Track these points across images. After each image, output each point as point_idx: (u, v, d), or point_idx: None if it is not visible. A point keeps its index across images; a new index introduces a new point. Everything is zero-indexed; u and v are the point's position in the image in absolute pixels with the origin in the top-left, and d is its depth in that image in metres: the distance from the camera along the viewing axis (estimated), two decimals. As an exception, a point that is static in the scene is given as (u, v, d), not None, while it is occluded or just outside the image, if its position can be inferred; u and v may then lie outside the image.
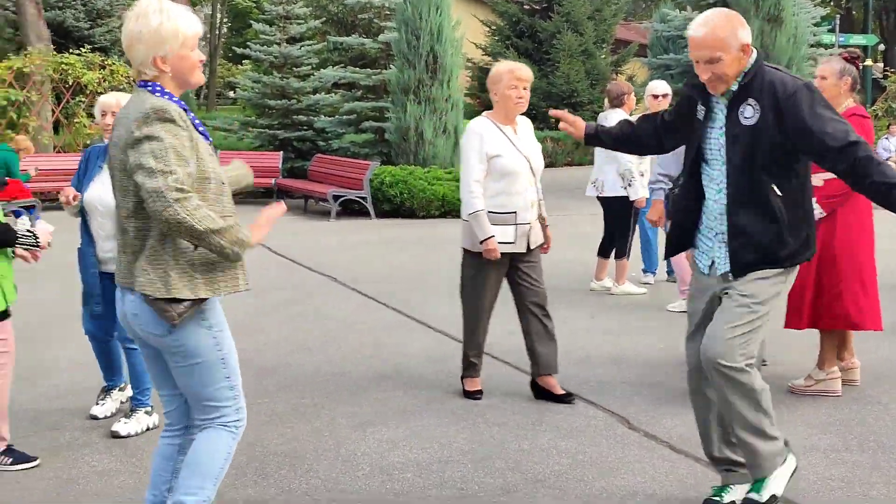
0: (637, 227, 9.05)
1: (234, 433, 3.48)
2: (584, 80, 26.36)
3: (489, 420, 5.31)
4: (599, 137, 4.34)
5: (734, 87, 3.75)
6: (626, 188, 8.62)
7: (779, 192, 3.75)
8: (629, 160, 8.48)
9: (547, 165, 6.14)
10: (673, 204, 4.12)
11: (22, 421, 5.19)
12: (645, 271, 9.41)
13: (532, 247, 5.57)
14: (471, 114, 27.60)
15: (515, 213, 5.45)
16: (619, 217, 8.86)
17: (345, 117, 18.49)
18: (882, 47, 35.26)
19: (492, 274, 5.56)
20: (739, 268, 3.81)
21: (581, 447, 4.88)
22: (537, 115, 28.53)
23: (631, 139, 4.32)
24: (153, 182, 3.04)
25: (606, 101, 9.03)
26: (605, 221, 9.10)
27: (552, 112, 4.52)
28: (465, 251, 5.64)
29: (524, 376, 6.06)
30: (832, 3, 34.57)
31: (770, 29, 16.88)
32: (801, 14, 17.46)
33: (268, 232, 3.39)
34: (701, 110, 3.89)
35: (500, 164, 5.41)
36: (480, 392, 5.71)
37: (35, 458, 4.65)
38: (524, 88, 5.45)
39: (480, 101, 28.93)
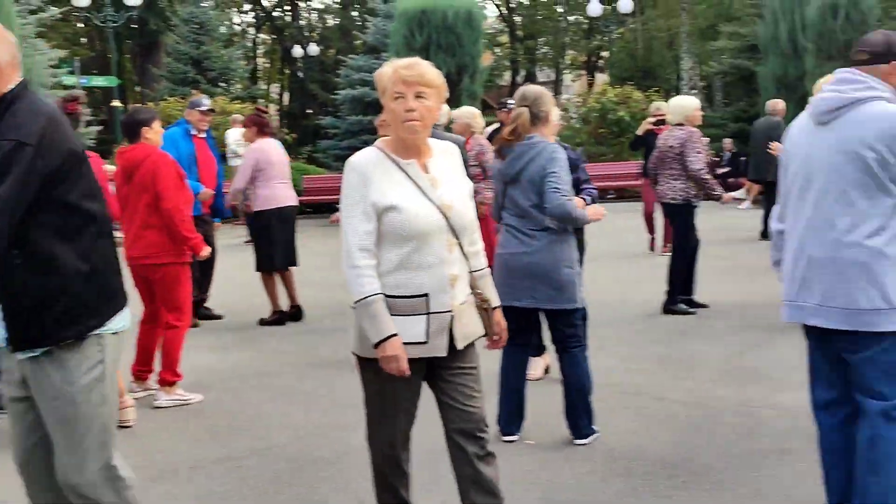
0: None
1: None
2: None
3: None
4: None
5: None
6: None
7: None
8: None
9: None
10: None
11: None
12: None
13: (461, 345, 3.41)
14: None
15: (427, 295, 3.30)
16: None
17: None
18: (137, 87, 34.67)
19: (402, 390, 3.44)
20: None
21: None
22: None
23: None
24: None
25: None
26: None
27: None
28: (359, 359, 3.46)
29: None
30: (82, 46, 34.16)
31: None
32: (36, 56, 15.91)
33: None
34: None
35: (399, 221, 3.26)
36: None
37: None
38: (417, 97, 3.26)
39: None
